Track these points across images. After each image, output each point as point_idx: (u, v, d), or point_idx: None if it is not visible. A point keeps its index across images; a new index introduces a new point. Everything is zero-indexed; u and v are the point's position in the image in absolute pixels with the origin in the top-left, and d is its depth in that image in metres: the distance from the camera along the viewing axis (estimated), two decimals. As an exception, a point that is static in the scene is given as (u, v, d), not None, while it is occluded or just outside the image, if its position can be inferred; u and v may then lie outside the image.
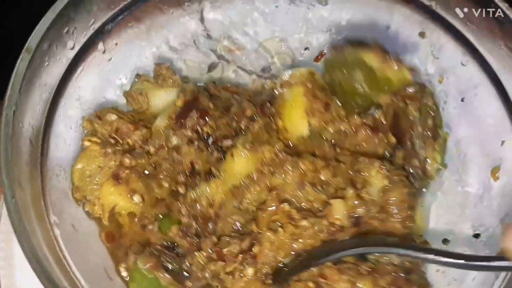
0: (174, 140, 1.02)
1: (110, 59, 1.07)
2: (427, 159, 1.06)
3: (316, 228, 0.92)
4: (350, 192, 0.96)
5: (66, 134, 0.98)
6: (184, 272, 0.97)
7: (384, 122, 1.08)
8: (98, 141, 1.00)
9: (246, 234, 0.95)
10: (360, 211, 0.95)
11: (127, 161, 0.99)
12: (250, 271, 0.91)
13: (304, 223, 0.92)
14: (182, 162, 1.01)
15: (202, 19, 1.17)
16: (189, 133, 1.02)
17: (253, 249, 0.91)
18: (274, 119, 1.07)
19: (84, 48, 0.99)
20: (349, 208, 0.95)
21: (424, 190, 1.08)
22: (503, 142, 0.99)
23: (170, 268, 0.95)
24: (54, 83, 0.94)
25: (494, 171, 1.00)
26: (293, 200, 0.96)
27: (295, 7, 1.15)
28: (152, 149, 1.02)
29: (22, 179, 0.82)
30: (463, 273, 0.96)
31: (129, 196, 0.98)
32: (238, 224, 0.97)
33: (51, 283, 0.74)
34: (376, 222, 0.96)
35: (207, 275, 0.93)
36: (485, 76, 1.00)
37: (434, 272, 1.01)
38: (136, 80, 1.12)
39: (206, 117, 1.03)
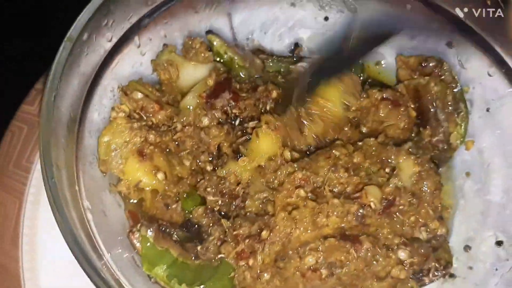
0: (206, 121, 1.03)
1: (144, 54, 1.09)
2: (451, 132, 1.09)
3: (346, 207, 0.93)
4: (382, 177, 0.96)
5: (100, 123, 1.00)
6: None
7: (404, 94, 1.10)
8: (126, 109, 1.01)
9: (259, 216, 0.96)
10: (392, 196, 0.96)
11: (152, 137, 0.99)
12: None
13: (336, 201, 0.93)
14: (209, 143, 1.02)
15: (230, 21, 1.19)
16: (219, 114, 1.04)
17: (262, 233, 0.92)
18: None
19: (120, 41, 1.01)
20: (384, 193, 0.96)
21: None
22: (527, 152, 1.00)
23: (177, 239, 0.97)
24: (91, 72, 0.96)
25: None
26: (325, 183, 0.96)
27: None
28: (179, 126, 1.03)
29: (60, 163, 0.84)
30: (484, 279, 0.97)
31: (153, 173, 0.99)
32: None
33: (84, 257, 0.76)
34: (407, 207, 0.97)
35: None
36: (511, 87, 1.01)
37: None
38: (163, 50, 1.12)
39: (237, 99, 1.05)
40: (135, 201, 1.02)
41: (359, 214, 0.94)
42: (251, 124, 1.04)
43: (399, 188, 0.97)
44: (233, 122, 1.06)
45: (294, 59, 1.20)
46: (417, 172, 0.99)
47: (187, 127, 1.03)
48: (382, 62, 1.20)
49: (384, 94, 1.09)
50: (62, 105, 0.88)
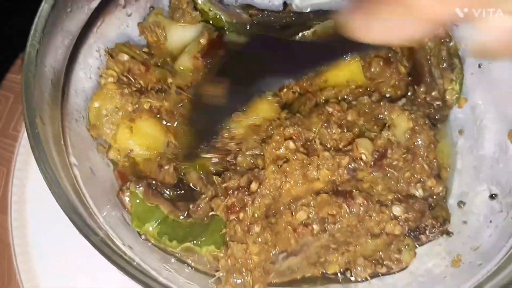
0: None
1: (129, 15, 1.07)
2: (446, 89, 1.08)
3: (336, 160, 0.92)
4: (375, 133, 0.95)
5: (85, 83, 0.98)
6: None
7: (398, 52, 1.09)
8: (114, 74, 0.99)
9: (250, 170, 0.94)
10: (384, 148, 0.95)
11: (145, 104, 0.98)
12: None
13: (326, 153, 0.91)
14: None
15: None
16: None
17: (251, 185, 0.91)
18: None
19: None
20: (375, 146, 0.94)
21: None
22: (520, 105, 0.99)
23: (168, 197, 0.95)
24: (76, 30, 0.94)
25: (511, 134, 1.00)
26: (316, 136, 0.95)
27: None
28: (173, 90, 1.01)
29: (44, 116, 0.82)
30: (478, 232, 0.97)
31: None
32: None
33: (71, 209, 0.74)
34: (401, 163, 0.96)
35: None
36: (503, 41, 1.00)
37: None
38: (150, 13, 1.10)
39: None
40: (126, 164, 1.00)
41: (350, 167, 0.93)
42: None
43: (392, 142, 0.95)
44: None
45: (285, 14, 1.18)
46: (411, 127, 0.98)
47: (186, 90, 1.01)
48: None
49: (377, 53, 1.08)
50: (45, 60, 0.86)
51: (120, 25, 1.06)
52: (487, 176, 1.02)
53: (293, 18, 1.16)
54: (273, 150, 0.92)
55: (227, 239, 0.91)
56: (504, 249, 0.88)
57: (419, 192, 0.99)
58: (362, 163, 0.93)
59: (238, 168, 0.97)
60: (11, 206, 1.11)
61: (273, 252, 0.92)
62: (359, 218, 0.94)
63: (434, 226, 1.00)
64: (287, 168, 0.91)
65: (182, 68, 1.04)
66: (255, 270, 0.91)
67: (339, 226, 0.93)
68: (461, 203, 1.03)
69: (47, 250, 1.06)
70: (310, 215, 0.92)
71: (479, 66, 1.07)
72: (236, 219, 0.90)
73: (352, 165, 0.92)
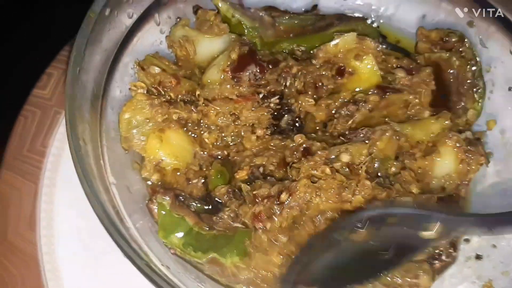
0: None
1: (163, 32, 1.08)
2: (468, 109, 1.09)
3: (375, 192, 0.92)
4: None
5: (121, 100, 0.98)
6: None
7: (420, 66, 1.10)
8: (144, 85, 0.99)
9: (281, 180, 0.95)
10: None
11: (174, 115, 0.98)
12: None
13: (367, 183, 0.91)
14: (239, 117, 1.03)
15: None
16: (245, 87, 1.03)
17: (281, 196, 0.91)
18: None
19: (141, 18, 1.01)
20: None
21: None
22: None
23: (194, 209, 0.96)
24: (113, 49, 0.96)
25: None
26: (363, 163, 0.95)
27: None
28: (201, 101, 1.01)
29: (85, 137, 0.82)
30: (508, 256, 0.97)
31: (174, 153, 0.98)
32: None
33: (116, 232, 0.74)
34: None
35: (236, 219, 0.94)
36: (533, 64, 1.01)
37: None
38: (176, 23, 1.11)
39: (263, 71, 1.04)
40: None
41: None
42: (273, 99, 1.05)
43: None
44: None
45: (311, 15, 1.19)
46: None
47: (213, 102, 1.01)
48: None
49: (399, 63, 1.10)
50: (86, 80, 0.87)
51: (154, 43, 1.07)
52: (516, 200, 1.02)
53: (316, 21, 1.16)
54: (310, 169, 0.92)
55: (251, 249, 0.91)
56: (535, 275, 0.88)
57: None
58: None
59: (268, 178, 0.97)
60: (40, 222, 1.11)
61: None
62: None
63: (449, 252, 0.99)
64: (323, 185, 0.91)
65: (209, 81, 1.05)
66: (273, 284, 0.91)
67: None
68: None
69: (76, 266, 1.06)
70: None
71: (509, 89, 1.07)
72: (262, 228, 0.90)
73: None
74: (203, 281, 0.91)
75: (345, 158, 0.94)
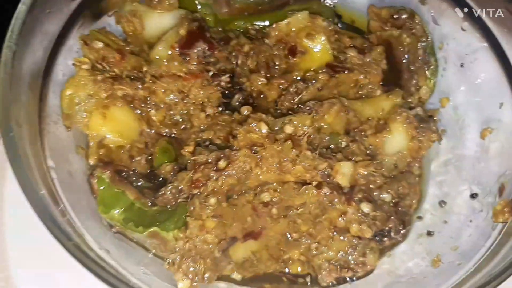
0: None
1: (110, 15, 1.07)
2: (420, 87, 1.09)
3: (315, 163, 0.93)
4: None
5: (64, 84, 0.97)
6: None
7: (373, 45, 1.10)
8: (87, 61, 0.97)
9: (222, 149, 0.95)
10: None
11: (118, 92, 0.97)
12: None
13: (308, 153, 0.92)
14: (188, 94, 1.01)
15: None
16: (194, 65, 1.02)
17: (219, 163, 0.91)
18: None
19: (86, 1, 0.98)
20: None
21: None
22: (501, 104, 0.99)
23: (136, 184, 0.96)
24: (55, 32, 0.94)
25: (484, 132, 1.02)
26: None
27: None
28: (148, 77, 1.00)
29: (20, 119, 0.81)
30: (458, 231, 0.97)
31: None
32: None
33: (45, 214, 0.74)
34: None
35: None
36: (484, 40, 1.00)
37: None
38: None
39: (213, 48, 1.03)
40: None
41: (325, 173, 0.94)
42: (224, 78, 1.04)
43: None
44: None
45: None
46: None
47: (160, 79, 1.00)
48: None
49: (353, 42, 1.10)
50: (22, 63, 0.85)
51: (101, 25, 1.05)
52: (468, 175, 1.02)
53: (272, 0, 1.15)
54: (246, 133, 0.93)
55: (189, 215, 0.91)
56: (483, 249, 0.88)
57: (388, 197, 1.00)
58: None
59: (210, 146, 0.97)
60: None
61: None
62: (322, 206, 0.94)
63: (397, 229, 0.99)
64: (263, 153, 0.91)
65: (157, 57, 1.03)
66: (207, 258, 0.91)
67: (301, 210, 0.94)
68: (442, 203, 1.04)
69: (25, 255, 1.04)
70: (274, 199, 0.94)
71: (461, 66, 1.07)
72: (198, 193, 0.91)
73: (327, 172, 0.93)
74: (147, 265, 0.91)
75: (289, 129, 0.95)
